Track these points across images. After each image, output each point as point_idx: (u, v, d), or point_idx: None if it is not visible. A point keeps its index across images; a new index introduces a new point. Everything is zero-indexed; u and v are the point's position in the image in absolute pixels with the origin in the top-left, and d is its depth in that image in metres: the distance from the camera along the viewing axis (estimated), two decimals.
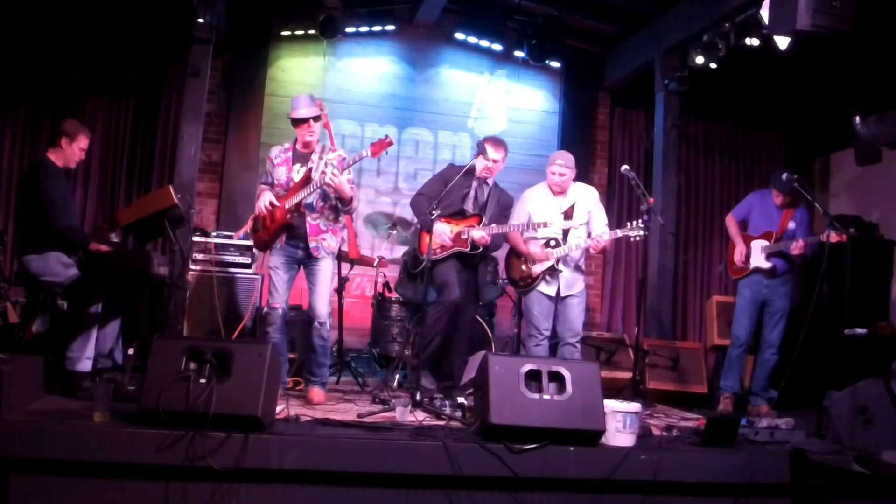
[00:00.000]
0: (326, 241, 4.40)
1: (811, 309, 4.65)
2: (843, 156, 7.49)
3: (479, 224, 4.78)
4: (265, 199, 4.33)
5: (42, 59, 6.35)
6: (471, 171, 4.88)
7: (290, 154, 4.46)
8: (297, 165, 4.40)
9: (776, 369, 5.29)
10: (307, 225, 4.34)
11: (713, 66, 5.98)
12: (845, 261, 4.59)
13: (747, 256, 5.28)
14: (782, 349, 5.26)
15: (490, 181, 4.95)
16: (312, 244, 4.35)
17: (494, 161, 4.82)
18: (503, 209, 4.96)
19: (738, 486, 3.43)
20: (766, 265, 5.22)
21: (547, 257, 4.77)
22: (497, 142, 4.92)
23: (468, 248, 4.76)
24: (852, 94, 6.76)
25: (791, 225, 5.29)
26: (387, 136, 4.29)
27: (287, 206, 4.29)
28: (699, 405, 5.38)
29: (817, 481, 3.51)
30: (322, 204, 4.38)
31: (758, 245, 5.29)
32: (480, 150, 4.76)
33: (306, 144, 4.42)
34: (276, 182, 4.42)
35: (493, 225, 4.79)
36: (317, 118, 4.39)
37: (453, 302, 4.73)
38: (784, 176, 4.76)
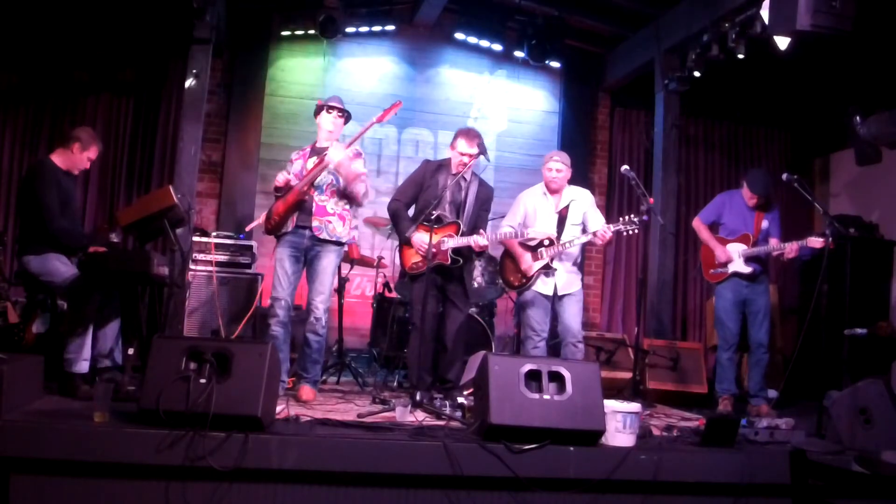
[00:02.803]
0: (332, 225, 4.44)
1: (811, 309, 4.65)
2: (843, 156, 7.49)
3: (457, 232, 4.67)
4: (279, 176, 4.50)
5: (42, 60, 6.35)
6: (446, 166, 4.79)
7: (307, 150, 4.65)
8: (314, 157, 4.54)
9: (771, 368, 5.26)
10: (314, 204, 4.43)
11: (713, 65, 5.99)
12: (845, 261, 4.60)
13: (726, 261, 5.22)
14: (784, 349, 5.25)
15: (468, 175, 4.80)
16: (315, 223, 4.40)
17: (469, 156, 4.65)
18: (483, 204, 4.87)
19: (738, 486, 3.43)
20: (747, 270, 5.17)
21: (539, 257, 4.77)
22: (470, 134, 4.71)
23: (448, 262, 4.64)
24: (852, 94, 6.76)
25: (764, 224, 5.26)
26: (396, 101, 4.49)
27: (299, 187, 4.40)
28: (699, 405, 5.37)
29: (817, 481, 3.51)
30: (332, 188, 4.46)
31: (735, 249, 5.22)
32: (453, 143, 4.74)
33: (328, 136, 4.56)
34: (293, 176, 4.55)
35: (481, 232, 4.73)
36: (342, 114, 4.58)
37: (428, 324, 4.61)
38: (784, 176, 4.74)
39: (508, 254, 4.96)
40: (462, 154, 4.67)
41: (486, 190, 4.92)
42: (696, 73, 6.16)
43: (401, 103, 4.52)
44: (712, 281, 5.37)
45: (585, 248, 4.83)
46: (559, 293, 4.81)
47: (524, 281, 4.83)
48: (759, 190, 5.22)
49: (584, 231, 4.83)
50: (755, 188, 5.23)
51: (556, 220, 4.86)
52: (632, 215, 4.70)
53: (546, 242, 4.78)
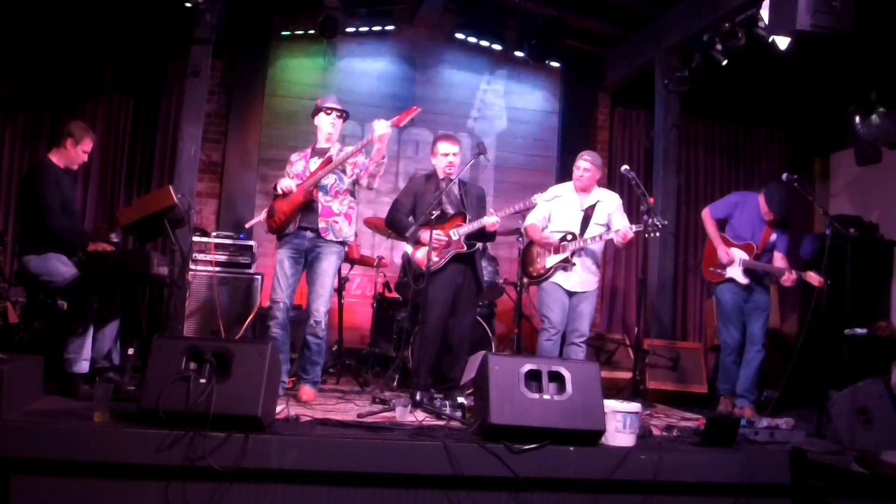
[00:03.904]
0: (339, 225, 4.46)
1: (811, 309, 4.65)
2: (843, 156, 7.49)
3: (464, 221, 4.68)
4: (287, 181, 4.50)
5: (42, 59, 6.35)
6: (434, 175, 4.84)
7: (308, 152, 4.66)
8: (315, 158, 4.57)
9: (771, 366, 5.21)
10: (319, 205, 4.44)
11: (713, 65, 5.99)
12: (845, 261, 4.60)
13: (728, 262, 5.11)
14: (783, 349, 5.23)
15: (455, 179, 4.79)
16: (322, 224, 4.41)
17: (454, 154, 4.72)
18: (479, 201, 4.92)
19: (738, 486, 3.43)
20: (744, 281, 5.08)
21: (561, 250, 4.80)
22: (449, 136, 4.88)
23: (464, 249, 4.65)
24: (852, 94, 6.76)
25: (772, 238, 5.15)
26: (413, 106, 4.48)
27: (305, 187, 4.41)
28: (699, 405, 5.37)
29: (817, 481, 3.51)
30: (336, 188, 4.48)
31: (736, 255, 5.11)
32: (433, 150, 4.81)
33: (327, 138, 4.58)
34: (294, 176, 4.56)
35: (493, 213, 4.71)
36: (341, 114, 4.60)
37: (435, 325, 4.60)
38: (784, 176, 4.73)
39: (532, 244, 5.02)
40: (445, 154, 4.72)
41: (477, 189, 5.00)
42: (697, 73, 6.16)
43: (418, 108, 4.50)
44: (709, 279, 5.30)
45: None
46: (575, 290, 4.85)
47: (543, 272, 4.86)
48: (776, 210, 5.07)
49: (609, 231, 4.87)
50: (772, 206, 5.08)
51: (580, 218, 4.91)
52: (656, 218, 4.73)
53: (568, 237, 4.81)
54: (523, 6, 7.00)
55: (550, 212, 4.98)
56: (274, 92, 6.98)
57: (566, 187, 5.04)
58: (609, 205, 4.98)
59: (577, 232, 4.87)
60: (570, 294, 4.87)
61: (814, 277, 4.87)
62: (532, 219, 5.01)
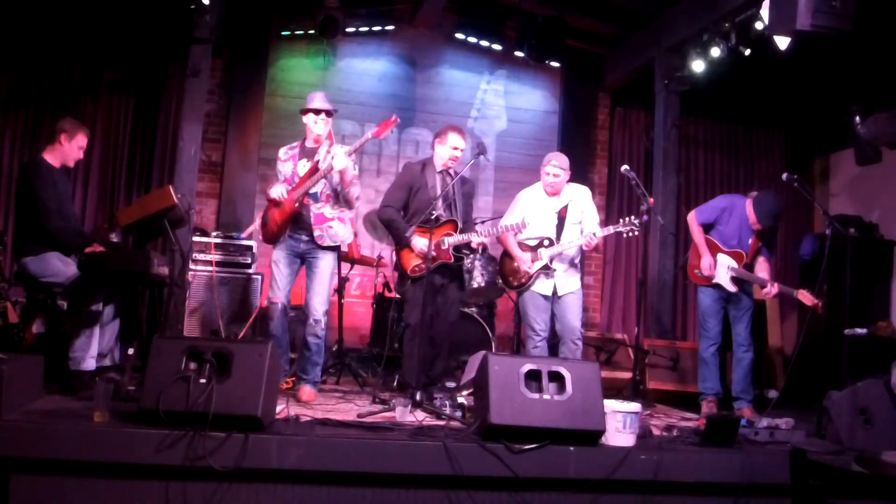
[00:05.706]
0: (333, 229, 4.45)
1: (810, 313, 4.64)
2: (843, 156, 7.50)
3: (455, 230, 4.66)
4: (279, 188, 4.43)
5: (42, 59, 6.35)
6: (429, 165, 4.80)
7: (296, 150, 4.59)
8: (304, 160, 4.52)
9: (771, 367, 5.19)
10: (311, 214, 4.41)
11: (713, 65, 5.99)
12: (845, 261, 4.60)
13: (709, 276, 5.00)
14: (783, 349, 5.22)
15: (452, 172, 4.77)
16: (317, 232, 4.41)
17: (462, 150, 4.72)
18: (469, 199, 4.91)
19: (738, 486, 3.43)
20: (732, 288, 4.98)
21: (538, 257, 4.77)
22: (462, 130, 4.84)
23: (451, 260, 4.64)
24: (852, 94, 6.76)
25: (759, 244, 5.08)
26: (392, 116, 4.43)
27: (294, 197, 4.38)
28: (699, 405, 5.36)
29: (817, 481, 3.51)
30: (327, 192, 4.45)
31: (725, 262, 4.99)
32: (442, 138, 4.74)
33: (315, 139, 4.53)
34: (283, 178, 4.53)
35: (488, 224, 4.72)
36: (329, 113, 4.53)
37: (420, 324, 4.55)
38: (784, 176, 4.71)
39: (507, 254, 4.96)
40: (455, 148, 4.71)
41: (469, 185, 4.99)
42: (697, 73, 6.17)
43: (397, 119, 4.46)
44: (694, 281, 5.19)
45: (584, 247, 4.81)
46: (559, 293, 4.80)
47: (523, 281, 4.83)
48: (766, 222, 4.97)
49: (583, 232, 4.82)
50: (762, 219, 4.96)
51: (555, 221, 4.86)
52: (632, 217, 4.69)
53: (546, 243, 4.78)
54: (523, 6, 7.01)
55: (524, 216, 4.84)
56: (274, 92, 6.98)
57: (536, 190, 4.95)
58: (581, 201, 4.90)
59: (554, 236, 4.80)
60: (556, 297, 4.80)
61: (807, 297, 4.78)
62: (505, 227, 4.84)
